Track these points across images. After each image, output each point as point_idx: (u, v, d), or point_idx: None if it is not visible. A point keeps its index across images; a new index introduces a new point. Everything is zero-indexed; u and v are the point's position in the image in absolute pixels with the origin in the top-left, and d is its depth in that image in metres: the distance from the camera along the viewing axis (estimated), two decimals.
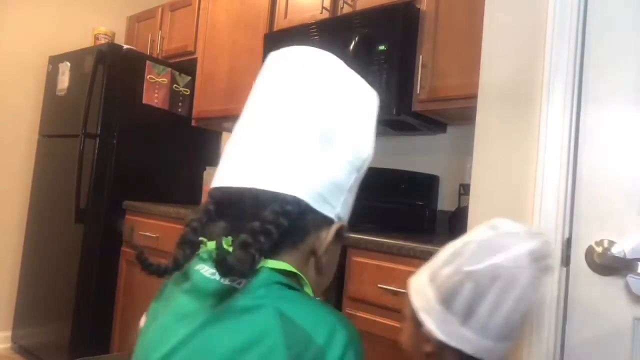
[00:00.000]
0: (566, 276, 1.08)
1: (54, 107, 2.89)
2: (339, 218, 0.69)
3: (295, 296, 0.59)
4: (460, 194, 1.96)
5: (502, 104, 1.18)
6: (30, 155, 2.97)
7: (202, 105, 2.76)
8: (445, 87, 1.76)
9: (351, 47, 1.88)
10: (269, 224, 0.59)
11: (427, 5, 1.84)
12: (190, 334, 0.57)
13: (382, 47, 1.86)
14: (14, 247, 2.93)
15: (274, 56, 0.79)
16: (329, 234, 0.66)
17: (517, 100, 1.15)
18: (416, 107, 1.85)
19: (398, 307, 1.46)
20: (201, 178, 2.93)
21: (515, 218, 1.13)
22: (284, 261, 0.62)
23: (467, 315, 0.74)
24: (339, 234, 0.68)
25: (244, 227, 0.59)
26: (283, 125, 0.64)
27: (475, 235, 0.79)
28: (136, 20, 3.30)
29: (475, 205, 1.22)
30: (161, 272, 0.70)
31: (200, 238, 0.67)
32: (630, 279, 0.98)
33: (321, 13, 2.15)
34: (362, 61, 1.89)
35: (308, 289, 0.64)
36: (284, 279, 0.60)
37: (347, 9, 2.08)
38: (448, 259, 0.78)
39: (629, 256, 0.99)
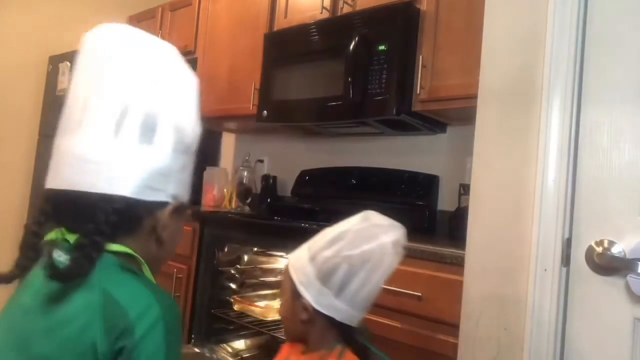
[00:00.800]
0: (566, 276, 1.08)
1: (54, 107, 2.89)
2: (174, 198, 0.73)
3: (124, 278, 0.66)
4: (460, 194, 1.96)
5: (502, 104, 1.18)
6: (30, 155, 2.97)
7: (202, 105, 2.75)
8: (445, 87, 1.76)
9: (351, 47, 1.88)
10: (100, 225, 0.65)
11: (427, 5, 1.84)
12: (32, 303, 0.68)
13: (382, 47, 1.86)
14: (14, 247, 2.93)
15: (88, 40, 0.80)
16: (164, 215, 0.72)
17: (517, 100, 1.15)
18: (416, 107, 1.85)
19: (398, 307, 1.46)
20: (201, 178, 2.93)
21: (516, 218, 1.13)
22: (124, 244, 0.68)
23: (340, 290, 0.89)
24: (175, 211, 0.74)
25: (80, 227, 0.65)
26: (103, 123, 0.67)
27: (351, 225, 0.93)
28: (136, 20, 3.29)
29: (475, 205, 1.22)
30: (8, 280, 0.73)
31: (43, 240, 0.72)
32: (630, 279, 0.98)
33: (321, 13, 2.15)
34: (362, 61, 1.89)
35: (146, 269, 0.71)
36: (119, 262, 0.67)
37: (347, 9, 2.08)
38: (328, 244, 0.92)
39: (629, 256, 0.99)
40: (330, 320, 0.91)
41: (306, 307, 0.91)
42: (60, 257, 0.65)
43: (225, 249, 2.19)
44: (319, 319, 0.91)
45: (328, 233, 0.94)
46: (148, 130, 0.69)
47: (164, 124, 0.71)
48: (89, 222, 0.64)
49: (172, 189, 0.73)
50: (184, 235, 0.86)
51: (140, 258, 0.70)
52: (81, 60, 0.77)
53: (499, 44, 1.20)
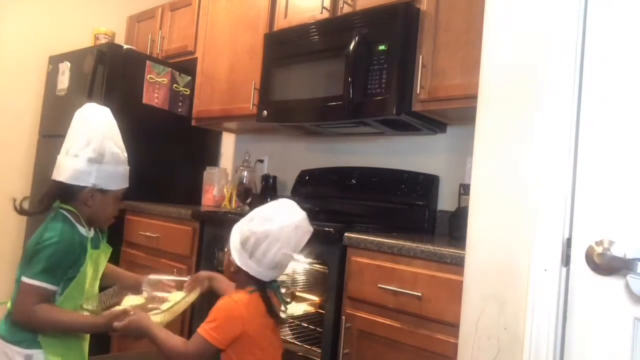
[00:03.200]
0: (566, 276, 1.08)
1: (54, 107, 2.89)
2: (94, 185, 1.32)
3: (57, 217, 1.32)
4: (460, 194, 1.97)
5: (502, 104, 1.18)
6: (30, 155, 2.97)
7: (202, 105, 2.76)
8: (445, 87, 1.76)
9: (351, 47, 1.88)
10: (50, 192, 1.35)
11: (427, 5, 1.84)
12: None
13: (382, 47, 1.86)
14: (14, 247, 2.93)
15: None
16: (85, 193, 1.32)
17: (517, 100, 1.15)
18: (416, 107, 1.85)
19: (398, 307, 1.46)
20: (201, 178, 2.93)
21: (516, 218, 1.13)
22: (69, 205, 1.33)
23: (251, 254, 1.24)
24: (93, 192, 1.33)
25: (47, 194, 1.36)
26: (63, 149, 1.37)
27: (262, 209, 1.30)
28: (136, 20, 3.30)
29: (475, 205, 1.22)
30: (29, 213, 1.44)
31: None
32: (630, 279, 0.98)
33: (321, 13, 2.15)
34: (362, 61, 1.89)
35: (67, 218, 1.32)
36: (63, 211, 1.32)
37: (347, 9, 2.08)
38: (246, 221, 1.29)
39: (629, 256, 0.99)
40: (247, 274, 1.26)
41: (232, 263, 1.27)
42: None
43: (225, 249, 2.19)
44: (242, 272, 1.26)
45: (249, 214, 1.31)
46: (73, 154, 1.32)
47: (78, 149, 1.32)
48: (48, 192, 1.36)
49: (92, 180, 1.31)
50: (116, 209, 1.43)
51: (78, 214, 1.33)
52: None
53: (499, 44, 1.20)
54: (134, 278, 1.54)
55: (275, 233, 1.23)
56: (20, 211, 1.39)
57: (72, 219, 1.32)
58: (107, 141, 1.35)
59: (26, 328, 1.25)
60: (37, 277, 1.23)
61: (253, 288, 1.25)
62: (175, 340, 1.24)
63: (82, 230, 1.33)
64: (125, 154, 1.42)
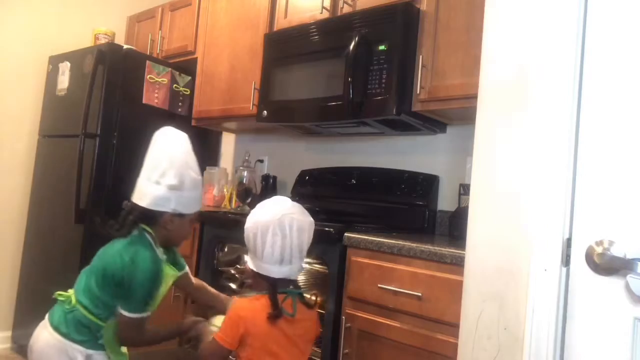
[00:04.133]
0: (566, 276, 1.08)
1: (54, 107, 2.89)
2: (173, 210, 1.36)
3: (138, 239, 1.35)
4: (460, 194, 1.97)
5: (502, 104, 1.18)
6: (30, 155, 2.97)
7: (202, 105, 2.76)
8: (445, 87, 1.76)
9: (351, 47, 1.88)
10: (133, 216, 1.36)
11: (427, 5, 1.84)
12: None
13: (382, 47, 1.86)
14: (14, 247, 2.93)
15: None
16: (166, 217, 1.36)
17: (517, 100, 1.15)
18: (416, 107, 1.85)
19: (398, 307, 1.46)
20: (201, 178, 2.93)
21: (516, 218, 1.13)
22: (149, 226, 1.36)
23: (254, 250, 1.29)
24: (174, 216, 1.37)
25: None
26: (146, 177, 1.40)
27: (256, 208, 1.35)
28: (136, 20, 3.29)
29: (475, 205, 1.22)
30: (114, 235, 1.41)
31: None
32: (630, 279, 0.98)
33: (321, 13, 2.15)
34: (362, 61, 1.89)
35: (155, 241, 1.37)
36: (145, 232, 1.36)
37: (347, 9, 2.08)
38: (246, 222, 1.33)
39: (629, 256, 0.99)
40: (259, 275, 1.30)
41: (247, 269, 1.34)
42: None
43: (225, 249, 2.19)
44: (256, 275, 1.30)
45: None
46: (155, 180, 1.36)
47: (167, 177, 1.36)
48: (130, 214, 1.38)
49: (173, 206, 1.36)
50: (191, 230, 1.49)
51: (154, 234, 1.36)
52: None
53: (499, 44, 1.20)
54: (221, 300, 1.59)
55: (263, 223, 1.27)
56: (103, 230, 1.41)
57: (151, 241, 1.36)
58: (187, 169, 1.39)
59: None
60: (140, 310, 1.30)
61: (264, 292, 1.28)
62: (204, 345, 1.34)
63: (159, 252, 1.38)
64: (201, 179, 1.48)
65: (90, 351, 1.31)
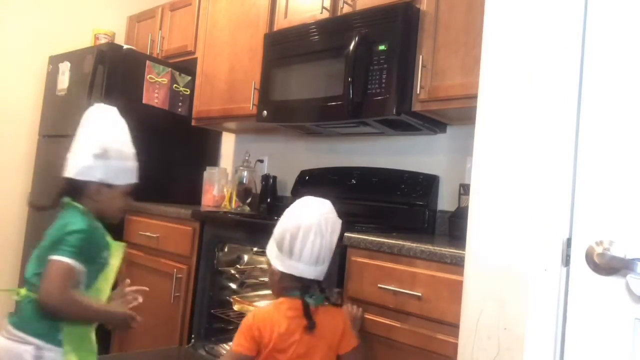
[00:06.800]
0: (566, 276, 1.08)
1: (54, 107, 2.89)
2: (101, 180, 1.35)
3: (75, 210, 1.34)
4: (460, 194, 1.96)
5: (502, 104, 1.18)
6: (31, 155, 2.97)
7: (202, 105, 2.76)
8: (445, 87, 1.76)
9: (351, 47, 1.88)
10: (59, 188, 1.38)
11: (427, 5, 1.84)
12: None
13: (382, 47, 1.86)
14: (14, 247, 2.93)
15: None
16: (92, 188, 1.35)
17: (517, 99, 1.15)
18: (416, 107, 1.85)
19: (398, 307, 1.46)
20: (201, 178, 2.93)
21: (516, 218, 1.13)
22: (78, 202, 1.35)
23: (290, 252, 1.29)
24: (100, 187, 1.36)
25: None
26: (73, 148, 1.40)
27: (291, 207, 1.38)
28: (136, 20, 3.29)
29: (475, 205, 1.21)
30: (41, 208, 1.53)
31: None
32: (630, 279, 0.98)
33: (321, 13, 2.15)
34: (362, 61, 1.89)
35: (85, 211, 1.35)
36: (73, 204, 1.35)
37: (347, 9, 2.08)
38: (279, 224, 1.34)
39: (629, 256, 0.99)
40: (291, 277, 1.29)
41: (275, 272, 1.33)
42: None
43: (225, 249, 2.19)
44: (286, 277, 1.30)
45: (279, 219, 1.36)
46: (82, 148, 1.37)
47: (90, 146, 1.36)
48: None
49: (99, 176, 1.34)
50: (124, 204, 1.48)
51: (83, 208, 1.35)
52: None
53: (499, 44, 1.20)
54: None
55: (306, 224, 1.29)
56: (32, 205, 1.48)
57: (87, 213, 1.35)
58: (112, 137, 1.39)
59: (51, 314, 1.22)
60: (68, 255, 1.23)
61: (296, 294, 1.30)
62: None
63: (99, 224, 1.38)
64: (133, 150, 1.47)
65: (46, 347, 1.21)
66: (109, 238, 1.39)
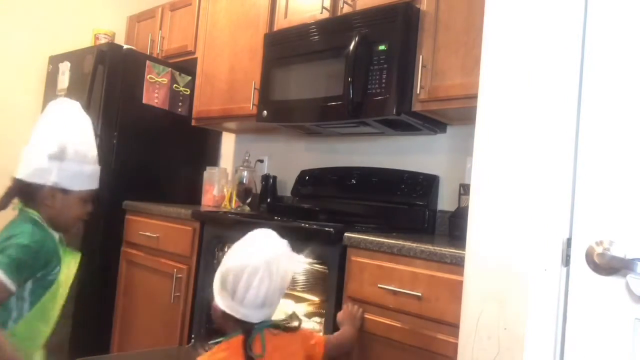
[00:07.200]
0: (566, 276, 1.08)
1: None
2: (55, 184, 1.22)
3: (26, 218, 1.22)
4: (460, 194, 1.96)
5: (502, 104, 1.18)
6: None
7: (202, 105, 2.75)
8: (445, 87, 1.76)
9: (351, 47, 1.88)
10: (9, 190, 1.26)
11: (427, 5, 1.84)
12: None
13: (382, 47, 1.86)
14: None
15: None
16: (45, 192, 1.22)
17: (517, 99, 1.15)
18: (416, 107, 1.85)
19: (398, 307, 1.46)
20: (201, 178, 2.93)
21: (516, 218, 1.13)
22: (31, 207, 1.24)
23: (233, 293, 1.14)
24: (54, 191, 1.23)
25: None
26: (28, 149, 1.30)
27: (240, 242, 1.22)
28: (136, 20, 3.30)
29: (475, 205, 1.21)
30: None
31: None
32: (630, 279, 0.98)
33: (321, 13, 2.15)
34: (362, 61, 1.89)
35: (37, 220, 1.23)
36: (30, 213, 1.23)
37: (347, 9, 2.08)
38: (225, 258, 1.19)
39: (629, 256, 0.99)
40: (233, 318, 1.16)
41: (217, 308, 1.18)
42: None
43: (225, 249, 2.19)
44: (228, 316, 1.16)
45: (228, 252, 1.22)
46: (39, 148, 1.24)
47: (46, 145, 1.22)
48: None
49: (52, 178, 1.21)
50: (81, 212, 1.33)
51: (36, 215, 1.22)
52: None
53: (499, 44, 1.20)
54: None
55: (252, 266, 1.14)
56: None
57: (41, 222, 1.22)
58: (71, 137, 1.25)
59: None
60: (2, 268, 1.10)
61: (237, 334, 1.16)
62: None
63: (55, 235, 1.25)
64: (94, 153, 1.32)
65: None
66: (62, 249, 1.26)
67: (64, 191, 1.24)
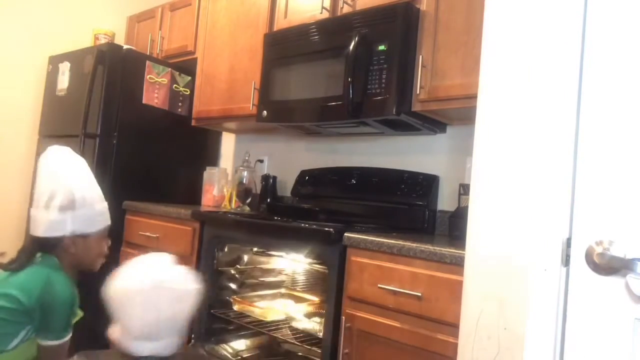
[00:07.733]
0: (566, 276, 1.08)
1: (54, 107, 2.89)
2: (72, 232, 1.29)
3: (46, 263, 1.28)
4: (460, 194, 1.96)
5: (502, 104, 1.18)
6: (30, 155, 2.97)
7: (202, 105, 2.75)
8: (445, 87, 1.76)
9: (351, 47, 1.88)
10: (27, 248, 1.31)
11: (427, 5, 1.84)
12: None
13: (382, 47, 1.86)
14: (14, 247, 2.93)
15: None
16: (66, 241, 1.29)
17: (517, 99, 1.15)
18: (416, 107, 1.85)
19: (398, 307, 1.46)
20: (201, 178, 2.93)
21: (516, 218, 1.13)
22: (52, 255, 1.29)
23: (117, 319, 1.05)
24: (74, 239, 1.30)
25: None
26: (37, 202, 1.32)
27: (130, 263, 1.15)
28: (136, 20, 3.29)
29: (475, 205, 1.21)
30: (9, 269, 1.30)
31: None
32: (630, 279, 0.98)
33: (321, 13, 2.15)
34: (362, 61, 1.89)
35: (59, 266, 1.29)
36: (44, 260, 1.29)
37: (347, 9, 2.08)
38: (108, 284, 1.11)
39: (628, 256, 0.99)
40: (123, 348, 1.06)
41: (110, 336, 1.11)
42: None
43: (225, 249, 2.19)
44: (119, 346, 1.07)
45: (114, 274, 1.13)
46: (45, 202, 1.27)
47: (55, 199, 1.26)
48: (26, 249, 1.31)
49: (69, 227, 1.28)
50: (103, 248, 1.43)
51: (57, 261, 1.29)
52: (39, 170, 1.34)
53: (499, 44, 1.20)
54: None
55: (132, 290, 1.02)
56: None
57: (60, 267, 1.29)
58: (74, 186, 1.30)
59: None
60: (63, 335, 1.25)
61: None
62: None
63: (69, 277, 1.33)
64: (99, 191, 1.38)
65: None
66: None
67: (83, 236, 1.31)
